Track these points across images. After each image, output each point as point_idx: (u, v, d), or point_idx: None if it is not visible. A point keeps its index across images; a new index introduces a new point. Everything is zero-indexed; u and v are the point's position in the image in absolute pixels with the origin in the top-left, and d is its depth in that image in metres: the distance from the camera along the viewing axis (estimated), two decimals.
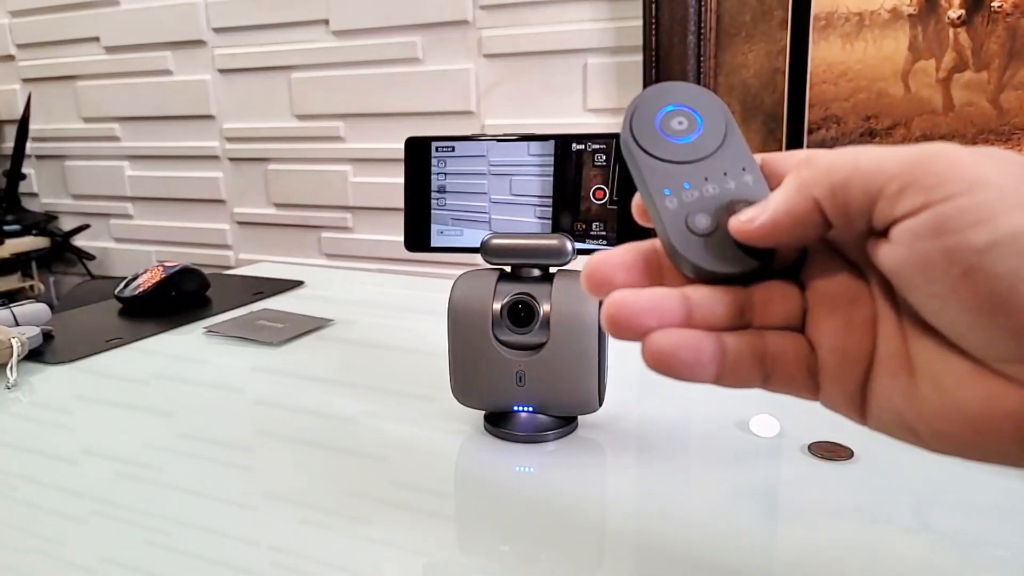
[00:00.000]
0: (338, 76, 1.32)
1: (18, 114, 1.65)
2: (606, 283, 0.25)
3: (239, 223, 1.51)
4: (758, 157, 0.27)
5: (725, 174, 0.26)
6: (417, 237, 0.52)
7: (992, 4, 0.86)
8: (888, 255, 0.21)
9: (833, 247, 0.24)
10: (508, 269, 0.49)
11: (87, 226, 1.69)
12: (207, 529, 0.42)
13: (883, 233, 0.21)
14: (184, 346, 0.74)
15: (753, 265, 0.24)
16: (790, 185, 0.23)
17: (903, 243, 0.20)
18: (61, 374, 0.67)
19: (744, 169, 0.26)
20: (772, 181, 0.25)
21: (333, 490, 0.46)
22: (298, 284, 0.98)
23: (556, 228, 0.50)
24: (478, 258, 0.48)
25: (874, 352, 0.23)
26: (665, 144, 0.26)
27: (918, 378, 0.22)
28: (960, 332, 0.20)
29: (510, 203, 0.50)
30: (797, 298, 0.24)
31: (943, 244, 0.19)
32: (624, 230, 0.49)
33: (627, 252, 0.25)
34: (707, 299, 0.24)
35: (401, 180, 0.52)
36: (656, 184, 0.26)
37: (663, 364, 0.23)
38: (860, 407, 0.23)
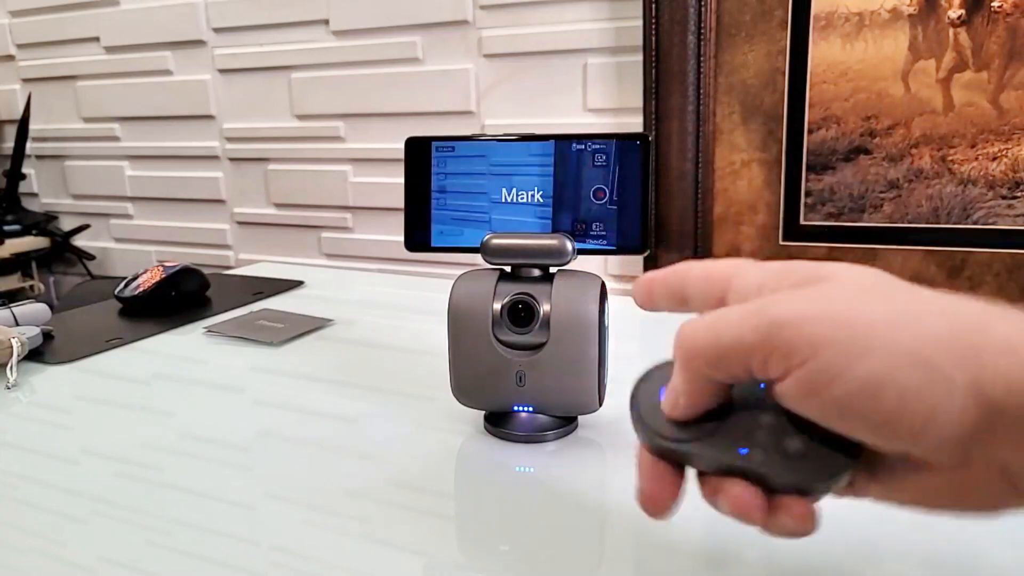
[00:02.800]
0: (338, 76, 1.32)
1: (18, 114, 1.65)
2: None
3: (239, 223, 1.51)
4: (689, 266, 0.31)
5: (773, 407, 0.26)
6: (417, 237, 0.52)
7: (992, 4, 0.86)
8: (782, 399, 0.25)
9: None
10: (508, 269, 0.49)
11: (87, 226, 1.69)
12: (207, 529, 0.42)
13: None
14: (184, 346, 0.74)
15: (856, 454, 0.26)
16: (678, 372, 0.27)
17: (786, 397, 0.25)
18: (61, 374, 0.67)
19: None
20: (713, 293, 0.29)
21: (333, 490, 0.46)
22: (298, 284, 0.98)
23: (556, 228, 0.50)
24: (478, 258, 0.48)
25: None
26: (695, 425, 0.28)
27: (878, 473, 0.27)
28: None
29: (510, 203, 0.50)
30: None
31: (813, 403, 0.24)
32: (624, 231, 0.49)
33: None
34: None
35: (401, 180, 0.52)
36: (730, 454, 0.27)
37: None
38: (852, 492, 0.28)
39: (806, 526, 0.26)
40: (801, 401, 0.24)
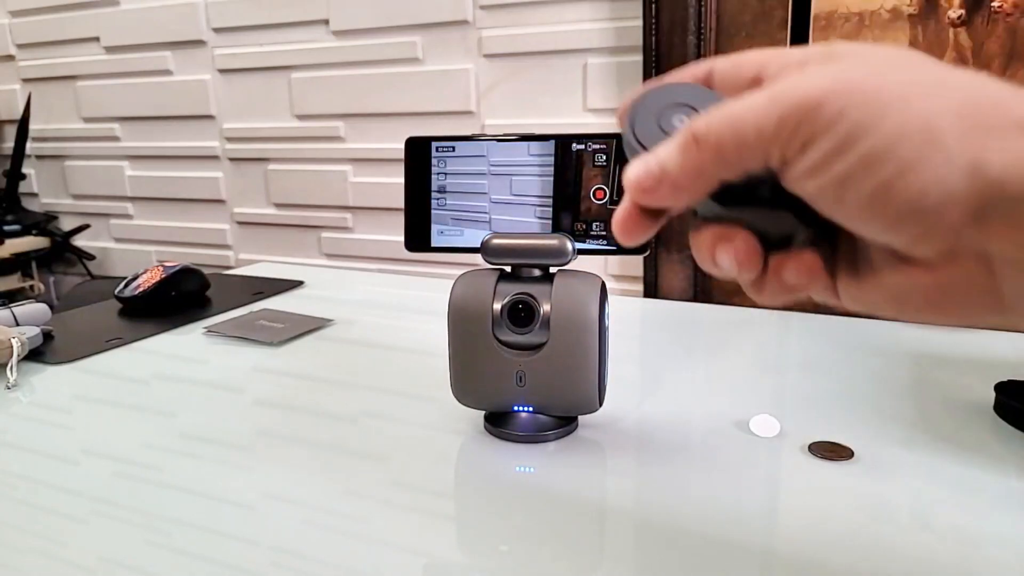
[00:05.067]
0: (338, 76, 1.32)
1: (18, 114, 1.65)
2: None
3: (239, 223, 1.51)
4: (703, 67, 0.28)
5: None
6: (417, 237, 0.52)
7: (992, 4, 0.86)
8: (800, 187, 0.24)
9: None
10: (508, 269, 0.49)
11: (87, 226, 1.68)
12: (207, 529, 0.42)
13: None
14: (184, 346, 0.74)
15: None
16: (682, 160, 0.25)
17: (791, 181, 0.23)
18: (61, 374, 0.67)
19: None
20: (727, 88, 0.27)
21: (333, 490, 0.46)
22: (298, 284, 0.98)
23: (556, 228, 0.50)
24: (478, 258, 0.48)
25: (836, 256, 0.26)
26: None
27: (860, 268, 0.25)
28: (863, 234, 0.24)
29: (510, 203, 0.50)
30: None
31: (818, 182, 0.23)
32: None
33: None
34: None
35: (401, 180, 0.52)
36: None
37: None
38: (835, 294, 0.27)
39: (806, 279, 0.26)
40: (806, 182, 0.23)
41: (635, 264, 1.13)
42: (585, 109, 1.14)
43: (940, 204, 0.21)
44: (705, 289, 1.04)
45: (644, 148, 0.26)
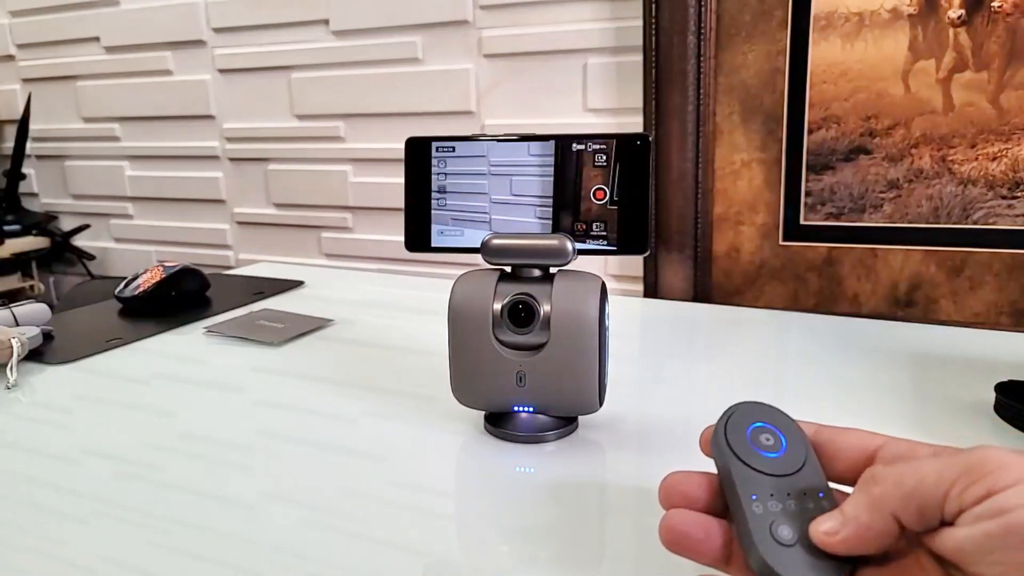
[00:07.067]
0: (338, 76, 1.32)
1: (18, 114, 1.65)
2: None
3: (239, 223, 1.51)
4: (811, 427, 0.33)
5: (805, 494, 0.30)
6: (417, 237, 0.52)
7: (992, 4, 0.86)
8: (952, 537, 0.26)
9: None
10: (508, 269, 0.49)
11: (87, 226, 1.68)
12: (207, 529, 0.42)
13: (941, 525, 0.27)
14: (184, 346, 0.74)
15: None
16: (862, 503, 0.28)
17: (967, 524, 0.25)
18: (61, 374, 0.67)
19: (821, 495, 0.30)
20: (825, 456, 0.32)
21: (333, 490, 0.46)
22: (298, 284, 0.98)
23: (556, 228, 0.50)
24: (478, 258, 0.48)
25: None
26: (755, 455, 0.31)
27: None
28: None
29: (510, 203, 0.50)
30: None
31: (1004, 520, 0.25)
32: (624, 231, 0.49)
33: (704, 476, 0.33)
34: None
35: (401, 180, 0.52)
36: (746, 489, 0.30)
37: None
38: None
39: None
40: (987, 521, 0.25)
41: (635, 264, 1.13)
42: (585, 109, 1.14)
43: None
44: (705, 289, 1.05)
45: (735, 455, 0.31)
